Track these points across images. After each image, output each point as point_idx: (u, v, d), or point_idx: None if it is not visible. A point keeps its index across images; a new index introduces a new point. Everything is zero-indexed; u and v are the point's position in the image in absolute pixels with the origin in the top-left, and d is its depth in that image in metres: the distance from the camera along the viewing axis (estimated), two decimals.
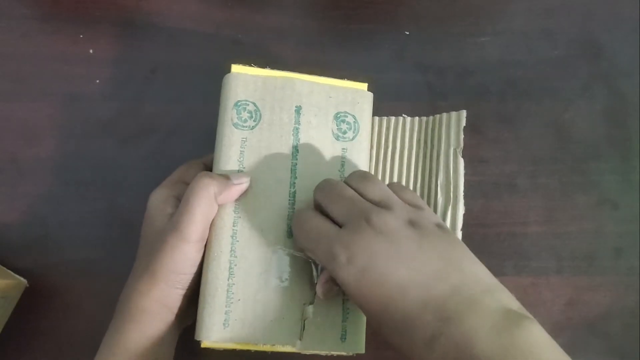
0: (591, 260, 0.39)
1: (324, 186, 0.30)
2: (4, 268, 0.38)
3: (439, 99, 0.41)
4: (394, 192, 0.30)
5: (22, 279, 0.37)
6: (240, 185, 0.31)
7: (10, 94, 0.41)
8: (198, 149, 0.39)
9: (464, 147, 0.37)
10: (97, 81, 0.42)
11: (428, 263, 0.26)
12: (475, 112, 0.41)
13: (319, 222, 0.29)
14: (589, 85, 0.42)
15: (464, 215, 0.36)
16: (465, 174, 0.37)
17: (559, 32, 0.43)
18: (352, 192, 0.29)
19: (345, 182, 0.31)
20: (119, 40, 0.42)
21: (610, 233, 0.40)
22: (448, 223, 0.35)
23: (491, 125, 0.41)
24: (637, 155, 0.41)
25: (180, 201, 0.31)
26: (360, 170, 0.31)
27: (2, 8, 0.43)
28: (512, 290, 0.38)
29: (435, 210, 0.36)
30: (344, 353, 0.31)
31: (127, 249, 0.37)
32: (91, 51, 0.42)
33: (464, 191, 0.36)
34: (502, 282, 0.37)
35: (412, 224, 0.28)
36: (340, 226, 0.28)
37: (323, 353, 0.31)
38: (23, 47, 0.42)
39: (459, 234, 0.35)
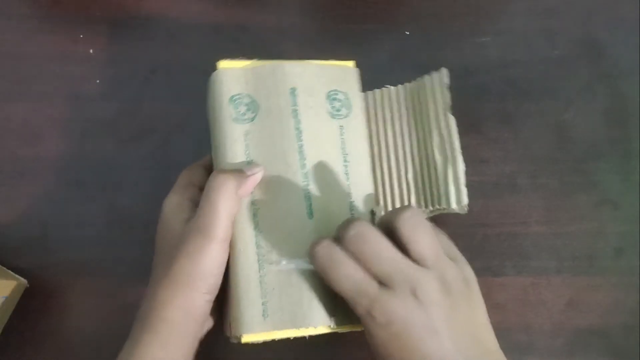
0: (591, 260, 0.39)
1: (356, 236, 0.28)
2: (4, 268, 0.38)
3: None
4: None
5: (22, 279, 0.37)
6: (254, 175, 0.31)
7: (10, 94, 0.41)
8: (198, 148, 0.40)
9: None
10: (97, 81, 0.42)
11: (454, 337, 0.27)
12: (475, 112, 0.41)
13: (357, 273, 0.28)
14: (589, 85, 0.42)
15: (466, 215, 0.35)
16: (466, 174, 0.36)
17: (559, 32, 0.43)
18: (394, 251, 0.28)
19: (387, 221, 0.29)
20: (119, 40, 0.42)
21: (610, 233, 0.40)
22: (450, 181, 0.34)
23: (491, 125, 0.41)
24: (637, 155, 0.41)
25: (195, 204, 0.31)
26: (407, 213, 0.28)
27: (2, 8, 0.43)
28: (512, 290, 0.38)
29: (435, 172, 0.35)
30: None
31: (127, 249, 0.38)
32: (91, 51, 0.42)
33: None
34: (502, 282, 0.37)
35: (448, 290, 0.28)
36: (378, 280, 0.28)
37: (357, 329, 0.31)
38: (23, 47, 0.42)
39: (464, 190, 0.34)
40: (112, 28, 0.43)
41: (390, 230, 0.28)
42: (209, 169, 0.34)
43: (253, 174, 0.31)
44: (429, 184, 0.35)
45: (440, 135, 0.35)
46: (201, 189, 0.31)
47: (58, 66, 0.42)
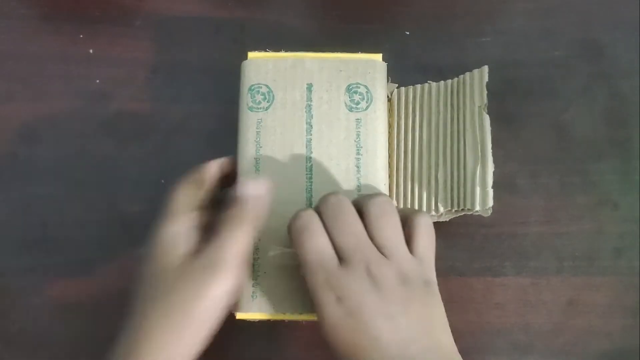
0: (591, 260, 0.39)
1: (334, 204, 0.29)
2: None
3: None
4: (411, 233, 0.29)
5: None
6: (261, 196, 0.30)
7: (10, 94, 0.41)
8: (198, 148, 0.40)
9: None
10: (97, 81, 0.42)
11: (408, 325, 0.27)
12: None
13: (323, 244, 0.28)
14: (589, 85, 0.42)
15: (471, 215, 0.36)
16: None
17: (559, 32, 0.43)
18: (361, 228, 0.28)
19: (359, 202, 0.30)
20: (119, 40, 0.42)
21: (610, 233, 0.40)
22: (477, 182, 0.34)
23: (491, 125, 0.41)
24: (637, 155, 0.41)
25: (201, 231, 0.30)
26: (379, 199, 0.29)
27: (2, 8, 0.43)
28: (512, 290, 0.38)
29: (464, 171, 0.35)
30: None
31: (127, 249, 0.38)
32: (91, 51, 0.42)
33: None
34: (502, 282, 0.37)
35: (404, 280, 0.28)
36: (339, 256, 0.28)
37: None
38: (23, 47, 0.42)
39: (490, 192, 0.34)
40: (112, 28, 0.42)
41: (360, 213, 0.29)
42: (200, 184, 0.32)
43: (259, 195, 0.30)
44: (457, 184, 0.35)
45: (474, 134, 0.35)
46: (199, 209, 0.31)
47: (58, 66, 0.42)
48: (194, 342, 0.27)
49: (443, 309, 0.29)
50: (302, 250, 0.28)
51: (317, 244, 0.28)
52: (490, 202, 0.34)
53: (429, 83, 0.38)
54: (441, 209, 0.36)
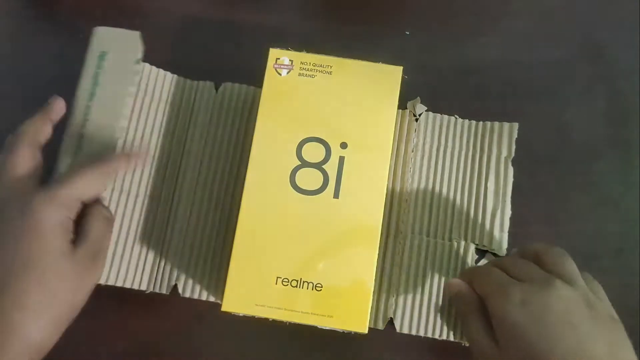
0: (591, 260, 0.39)
1: (514, 259, 0.33)
2: None
3: (439, 99, 0.41)
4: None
5: None
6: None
7: (10, 95, 0.41)
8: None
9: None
10: None
11: (595, 345, 0.27)
12: (475, 112, 0.41)
13: (503, 274, 0.31)
14: (589, 85, 0.42)
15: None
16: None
17: (559, 33, 0.43)
18: (537, 267, 0.31)
19: (537, 253, 0.32)
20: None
21: (610, 233, 0.40)
22: (497, 227, 0.39)
23: None
24: (637, 155, 0.41)
25: (74, 223, 0.32)
26: (556, 248, 0.32)
27: (2, 8, 0.43)
28: None
29: (483, 211, 0.39)
30: (349, 330, 0.33)
31: None
32: None
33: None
34: None
35: (589, 304, 0.29)
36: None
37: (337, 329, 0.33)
38: (23, 47, 0.42)
39: (506, 235, 0.39)
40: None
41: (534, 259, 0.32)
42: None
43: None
44: (473, 221, 0.39)
45: (497, 180, 0.39)
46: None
47: (58, 66, 0.42)
48: (61, 329, 0.30)
49: (632, 349, 0.29)
50: (480, 281, 0.32)
51: (495, 273, 0.31)
52: (506, 245, 0.38)
53: (456, 117, 0.41)
54: (454, 240, 0.38)
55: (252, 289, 0.32)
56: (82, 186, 0.32)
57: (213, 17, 0.43)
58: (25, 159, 0.32)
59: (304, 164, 0.34)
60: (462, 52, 0.42)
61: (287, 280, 0.33)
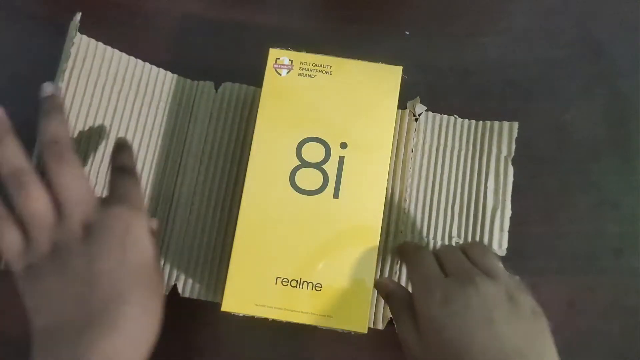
0: (591, 260, 0.39)
1: (446, 248, 0.33)
2: None
3: (439, 99, 0.41)
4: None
5: None
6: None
7: (10, 95, 0.41)
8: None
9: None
10: None
11: (513, 338, 0.28)
12: (475, 112, 0.41)
13: (433, 265, 0.32)
14: (589, 85, 0.42)
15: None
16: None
17: (559, 33, 0.43)
18: (465, 259, 0.32)
19: (463, 248, 0.33)
20: (119, 41, 0.42)
21: (610, 233, 0.40)
22: (497, 226, 0.39)
23: None
24: (637, 155, 0.41)
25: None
26: (482, 244, 0.35)
27: (2, 8, 0.43)
28: None
29: (483, 210, 0.39)
30: (349, 330, 0.33)
31: None
32: None
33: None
34: None
35: (511, 298, 0.29)
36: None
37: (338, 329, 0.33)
38: (23, 47, 0.42)
39: (506, 235, 0.39)
40: (111, 28, 0.42)
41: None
42: None
43: None
44: (473, 220, 0.39)
45: (497, 179, 0.39)
46: None
47: (58, 66, 0.42)
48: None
49: (552, 339, 0.29)
50: (412, 270, 0.33)
51: (427, 262, 0.32)
52: (506, 244, 0.38)
53: (455, 117, 0.41)
54: (454, 239, 0.39)
55: (251, 289, 0.32)
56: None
57: (213, 17, 0.43)
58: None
59: (304, 163, 0.34)
60: (462, 52, 0.42)
61: (286, 280, 0.33)
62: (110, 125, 0.38)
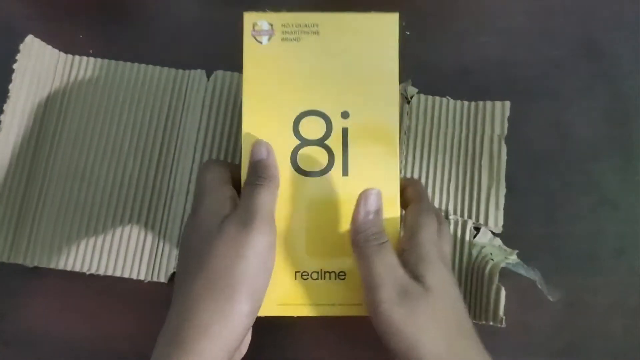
0: (592, 260, 0.39)
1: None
2: None
3: None
4: None
5: None
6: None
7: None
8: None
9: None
10: None
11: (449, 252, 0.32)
12: (475, 112, 0.41)
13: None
14: (589, 85, 0.42)
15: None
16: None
17: (559, 32, 0.43)
18: None
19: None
20: (119, 41, 0.42)
21: (610, 234, 0.40)
22: (492, 204, 0.39)
23: None
24: (637, 155, 0.41)
25: (233, 201, 0.29)
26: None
27: (2, 8, 0.42)
28: (512, 290, 0.38)
29: (479, 190, 0.39)
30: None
31: None
32: (91, 51, 0.42)
33: None
34: (502, 282, 0.37)
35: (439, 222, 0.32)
36: None
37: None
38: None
39: (501, 213, 0.39)
40: (111, 28, 0.42)
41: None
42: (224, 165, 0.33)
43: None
44: (469, 199, 0.39)
45: (491, 158, 0.39)
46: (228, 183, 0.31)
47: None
48: (242, 310, 0.26)
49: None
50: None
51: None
52: (502, 221, 0.39)
53: (448, 98, 0.41)
54: (451, 218, 0.39)
55: (270, 289, 0.29)
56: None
57: (213, 17, 0.43)
58: None
59: (304, 142, 0.31)
60: (462, 52, 0.42)
61: (306, 274, 0.30)
62: (105, 122, 0.39)
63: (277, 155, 0.30)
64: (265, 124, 0.31)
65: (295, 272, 0.30)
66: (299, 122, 0.31)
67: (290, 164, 0.31)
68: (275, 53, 0.31)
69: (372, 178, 0.30)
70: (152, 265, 0.38)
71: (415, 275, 0.28)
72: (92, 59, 0.41)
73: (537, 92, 0.42)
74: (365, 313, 0.29)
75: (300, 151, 0.31)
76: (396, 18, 0.32)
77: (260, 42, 0.31)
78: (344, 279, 0.30)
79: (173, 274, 0.37)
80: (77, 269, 0.37)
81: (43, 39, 0.41)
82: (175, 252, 0.38)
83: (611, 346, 0.38)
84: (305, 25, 0.31)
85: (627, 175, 0.40)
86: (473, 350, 0.28)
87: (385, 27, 0.31)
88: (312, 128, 0.31)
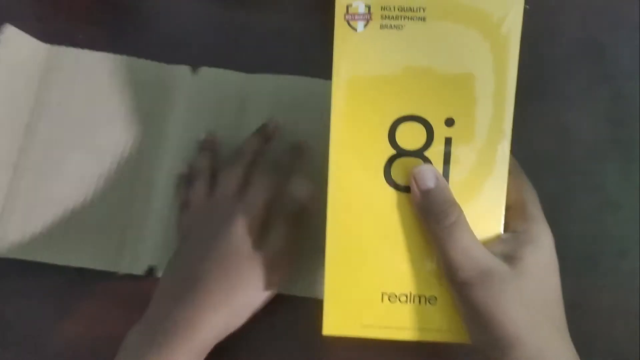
0: (594, 262, 0.39)
1: None
2: None
3: None
4: None
5: None
6: None
7: None
8: None
9: None
10: None
11: None
12: None
13: None
14: (590, 86, 0.42)
15: None
16: None
17: (560, 33, 0.43)
18: None
19: None
20: (118, 41, 0.42)
21: (613, 235, 0.39)
22: None
23: None
24: (638, 156, 0.41)
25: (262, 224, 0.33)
26: None
27: (2, 8, 0.43)
28: None
29: None
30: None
31: None
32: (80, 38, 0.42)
33: None
34: None
35: None
36: None
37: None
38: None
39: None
40: (111, 28, 0.43)
41: None
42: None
43: None
44: None
45: None
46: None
47: None
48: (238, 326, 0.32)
49: None
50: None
51: None
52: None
53: None
54: None
55: (355, 309, 0.28)
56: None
57: (213, 17, 0.43)
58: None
59: (401, 152, 0.27)
60: None
61: (394, 296, 0.28)
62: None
63: (368, 166, 0.27)
64: (357, 128, 0.27)
65: (383, 293, 0.28)
66: (396, 128, 0.27)
67: (383, 177, 0.27)
68: (373, 43, 0.26)
69: (475, 197, 0.27)
70: (127, 258, 0.37)
71: (510, 256, 0.27)
72: (73, 50, 0.40)
73: (537, 92, 0.42)
74: (458, 340, 0.28)
75: (395, 162, 0.27)
76: (521, 2, 0.28)
77: (355, 29, 0.27)
78: (434, 304, 0.28)
79: (151, 269, 0.37)
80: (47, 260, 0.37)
81: (42, 40, 0.41)
82: (154, 245, 0.38)
83: (613, 348, 0.37)
84: (410, 9, 0.26)
85: (629, 176, 0.40)
86: (557, 341, 0.27)
87: (506, 11, 0.27)
88: (411, 136, 0.27)
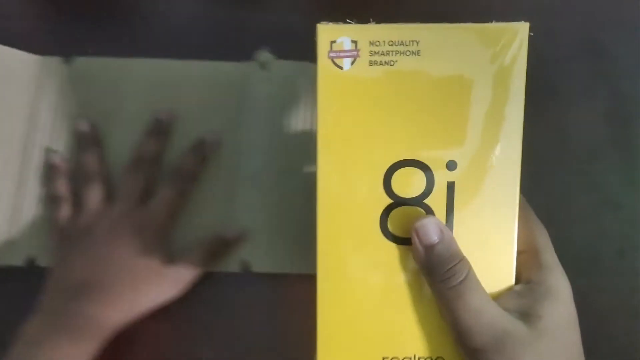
0: (594, 262, 0.39)
1: None
2: None
3: None
4: None
5: None
6: None
7: None
8: None
9: None
10: None
11: None
12: None
13: None
14: (590, 85, 0.42)
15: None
16: None
17: (560, 33, 0.43)
18: None
19: None
20: (118, 41, 0.42)
21: (612, 235, 0.39)
22: None
23: None
24: (638, 155, 0.41)
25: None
26: None
27: (1, 8, 0.43)
28: None
29: None
30: None
31: None
32: (91, 51, 0.42)
33: None
34: None
35: None
36: None
37: None
38: (22, 48, 0.42)
39: None
40: (111, 28, 0.43)
41: None
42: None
43: None
44: None
45: None
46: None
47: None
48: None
49: None
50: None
51: None
52: None
53: None
54: None
55: None
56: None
57: (213, 17, 0.43)
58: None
59: (397, 201, 0.24)
60: None
61: (397, 359, 0.25)
62: None
63: (362, 217, 0.24)
64: (348, 177, 0.24)
65: (383, 357, 0.25)
66: (392, 175, 0.24)
67: (379, 228, 0.25)
68: (361, 82, 0.24)
69: (483, 246, 0.25)
70: (7, 248, 0.37)
71: (527, 313, 0.24)
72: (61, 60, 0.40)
73: (537, 92, 0.42)
74: None
75: (392, 212, 0.25)
76: (526, 29, 0.24)
77: (341, 68, 0.24)
78: None
79: (33, 260, 0.37)
80: None
81: (43, 39, 0.41)
82: (35, 234, 0.37)
83: (613, 347, 0.37)
84: (402, 43, 0.24)
85: (628, 175, 0.40)
86: None
87: (510, 42, 0.23)
88: (409, 183, 0.24)
